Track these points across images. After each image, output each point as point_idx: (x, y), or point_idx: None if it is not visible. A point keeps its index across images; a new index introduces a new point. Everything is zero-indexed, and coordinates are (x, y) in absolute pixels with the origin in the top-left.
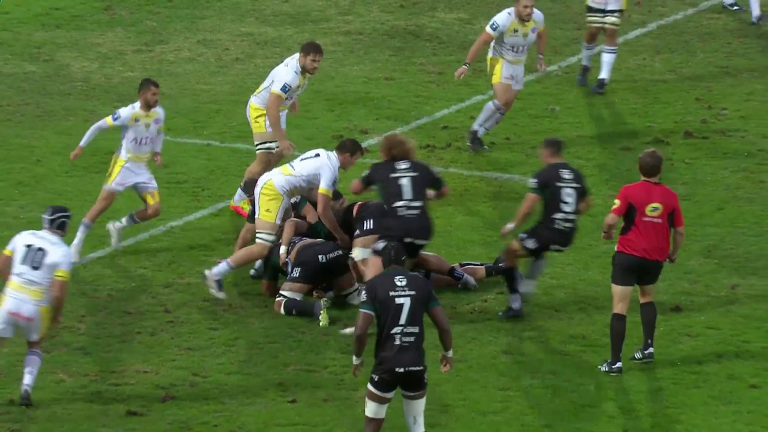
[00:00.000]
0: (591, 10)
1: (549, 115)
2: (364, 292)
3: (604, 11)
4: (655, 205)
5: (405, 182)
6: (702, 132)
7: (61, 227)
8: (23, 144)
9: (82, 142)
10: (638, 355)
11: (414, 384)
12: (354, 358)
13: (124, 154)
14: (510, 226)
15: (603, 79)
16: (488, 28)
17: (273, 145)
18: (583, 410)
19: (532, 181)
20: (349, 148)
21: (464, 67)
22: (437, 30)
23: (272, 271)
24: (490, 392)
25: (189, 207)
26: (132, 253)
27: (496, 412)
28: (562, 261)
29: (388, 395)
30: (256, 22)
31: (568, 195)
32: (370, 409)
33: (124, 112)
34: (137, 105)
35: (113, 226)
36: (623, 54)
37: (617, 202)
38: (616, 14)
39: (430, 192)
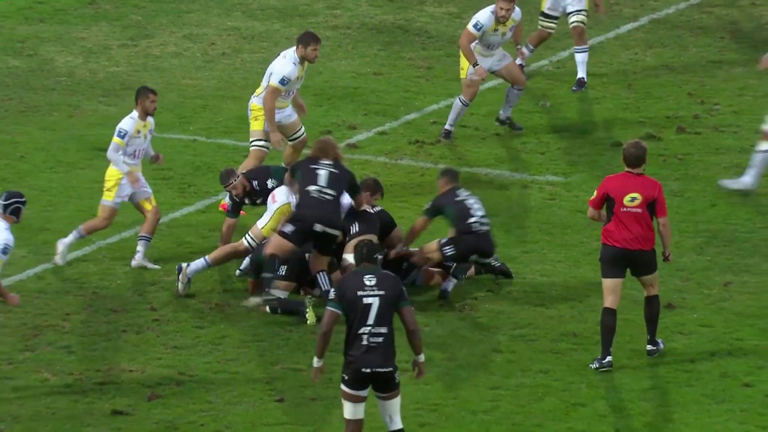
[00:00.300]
0: (544, 15)
1: (540, 110)
2: (332, 289)
3: (557, 18)
4: (633, 195)
5: (322, 173)
6: (694, 127)
7: (14, 213)
8: (6, 140)
9: (124, 169)
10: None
11: (384, 385)
12: (315, 359)
13: (123, 168)
14: (401, 247)
15: (582, 78)
16: (472, 28)
17: (267, 143)
18: (575, 409)
19: (426, 206)
20: (371, 187)
21: (479, 67)
22: (426, 24)
23: (258, 268)
24: (480, 391)
25: (175, 203)
26: (117, 251)
27: (486, 411)
28: (552, 258)
29: (362, 393)
30: (243, 17)
31: (473, 203)
32: (346, 409)
33: (128, 125)
34: (135, 115)
35: (138, 261)
36: (615, 48)
37: (594, 193)
38: (582, 13)
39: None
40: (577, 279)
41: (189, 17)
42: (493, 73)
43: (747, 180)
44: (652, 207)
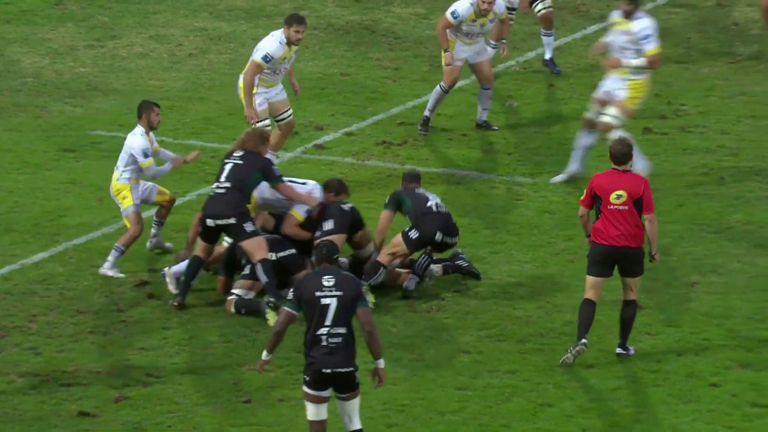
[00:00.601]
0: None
1: (507, 110)
2: (291, 290)
3: (516, 9)
4: (618, 192)
5: (227, 167)
6: (661, 128)
7: None
8: None
9: (167, 168)
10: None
11: (344, 385)
12: (264, 353)
13: (125, 179)
14: (374, 255)
15: (550, 58)
16: (449, 16)
17: (267, 122)
18: (542, 410)
19: (386, 200)
20: (335, 188)
21: (448, 53)
22: (393, 25)
23: (228, 266)
24: (447, 392)
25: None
26: (84, 251)
27: (453, 411)
28: (520, 259)
29: (324, 394)
30: (210, 17)
31: (429, 195)
32: (309, 410)
33: (145, 144)
34: (142, 131)
35: (153, 243)
36: (581, 49)
37: (584, 193)
38: (548, 0)
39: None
40: (545, 279)
41: (156, 18)
42: (469, 66)
43: (573, 167)
44: (639, 204)
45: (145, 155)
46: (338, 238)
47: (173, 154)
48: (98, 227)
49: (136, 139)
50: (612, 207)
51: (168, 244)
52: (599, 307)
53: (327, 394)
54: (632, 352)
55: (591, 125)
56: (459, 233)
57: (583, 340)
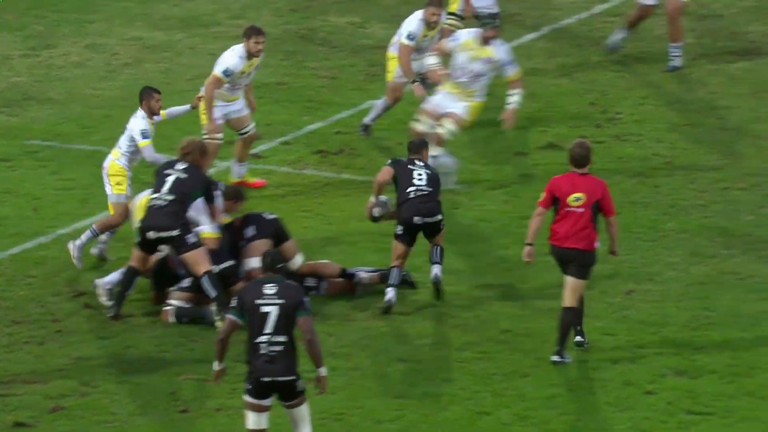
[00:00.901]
0: (455, 15)
1: None
2: (234, 298)
3: (463, 17)
4: (577, 195)
5: (169, 179)
6: (597, 137)
7: None
8: None
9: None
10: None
11: (286, 394)
12: (215, 363)
13: (124, 163)
14: (372, 200)
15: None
16: (406, 41)
17: (219, 135)
18: (479, 418)
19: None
20: (232, 196)
21: (417, 84)
22: (329, 34)
23: (157, 282)
24: (385, 400)
25: (77, 214)
26: (19, 261)
27: (391, 420)
28: (456, 268)
29: (265, 402)
30: (146, 27)
31: (419, 174)
32: (250, 419)
33: (147, 125)
34: (144, 114)
35: (98, 249)
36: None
37: (543, 194)
38: (497, 20)
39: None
40: (481, 288)
41: (92, 27)
42: (421, 76)
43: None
44: (597, 206)
45: (144, 136)
46: (262, 243)
47: (180, 107)
48: (33, 237)
49: (137, 121)
50: (568, 209)
51: (110, 258)
52: (535, 316)
53: (268, 403)
54: (568, 359)
55: (422, 136)
56: (440, 209)
57: (578, 338)
